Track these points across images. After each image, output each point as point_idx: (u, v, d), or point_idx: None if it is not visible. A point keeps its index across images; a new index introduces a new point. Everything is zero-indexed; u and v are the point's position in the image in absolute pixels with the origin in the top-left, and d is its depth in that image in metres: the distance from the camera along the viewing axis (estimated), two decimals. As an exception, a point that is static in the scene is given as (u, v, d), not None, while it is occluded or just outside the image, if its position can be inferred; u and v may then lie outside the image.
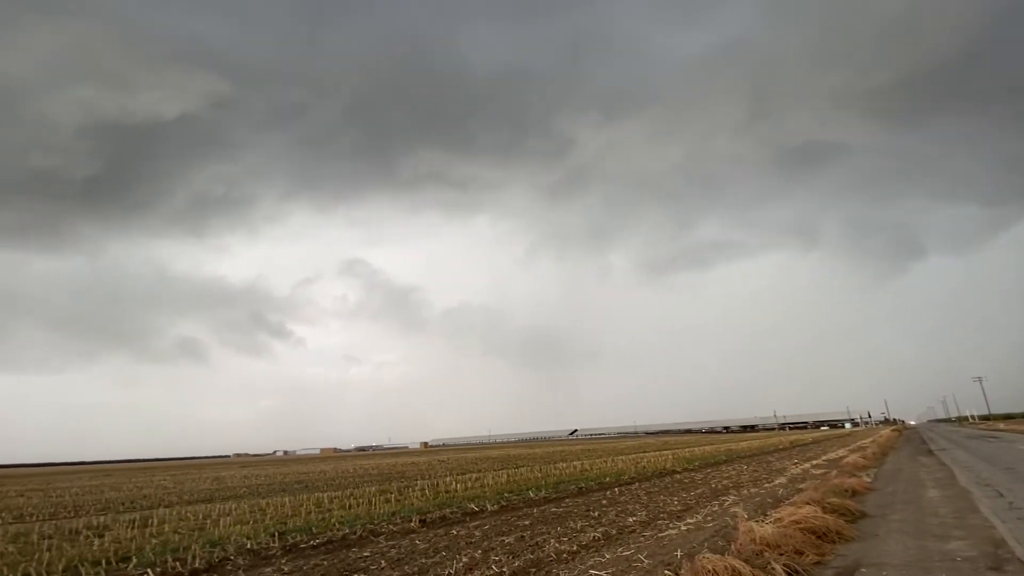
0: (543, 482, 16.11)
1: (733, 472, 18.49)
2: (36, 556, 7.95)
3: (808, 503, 8.62)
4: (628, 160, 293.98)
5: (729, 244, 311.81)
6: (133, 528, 10.74)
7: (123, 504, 17.05)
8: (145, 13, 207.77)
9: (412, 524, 9.74)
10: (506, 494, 13.36)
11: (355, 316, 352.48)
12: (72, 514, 14.63)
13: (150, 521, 11.63)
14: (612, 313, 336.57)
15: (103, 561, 7.51)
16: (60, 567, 7.24)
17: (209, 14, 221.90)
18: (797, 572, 5.50)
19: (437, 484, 17.35)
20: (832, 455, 24.99)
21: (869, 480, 13.67)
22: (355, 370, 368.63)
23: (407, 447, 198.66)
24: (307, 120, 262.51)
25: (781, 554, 5.94)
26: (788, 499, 10.52)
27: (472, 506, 11.50)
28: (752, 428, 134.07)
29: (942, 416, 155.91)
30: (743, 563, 5.25)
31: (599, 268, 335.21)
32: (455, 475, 21.43)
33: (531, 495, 13.18)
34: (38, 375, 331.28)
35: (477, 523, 9.77)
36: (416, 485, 17.28)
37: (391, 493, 15.09)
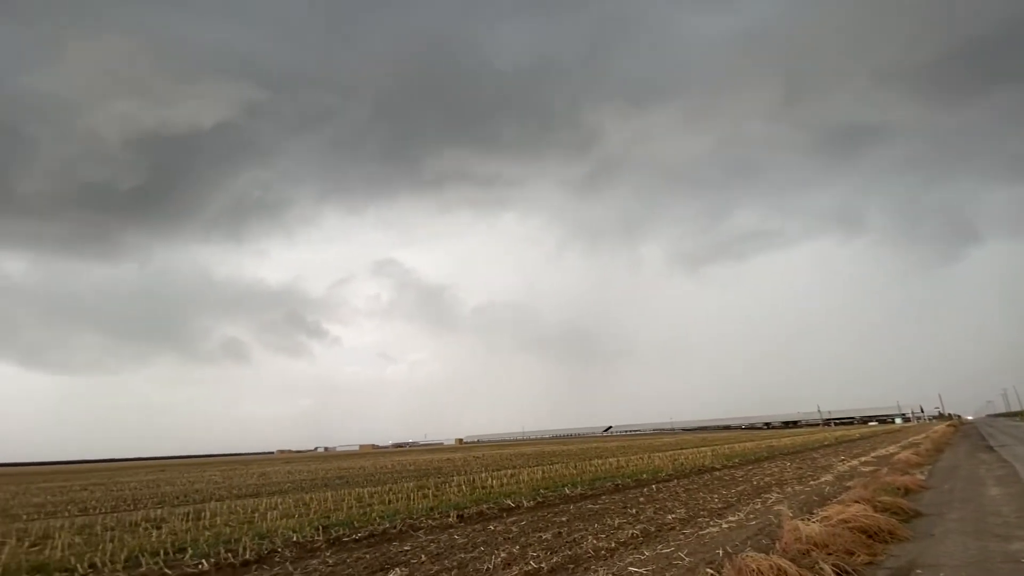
0: (579, 479, 16.04)
1: (776, 469, 17.97)
2: (100, 547, 8.45)
3: (857, 501, 8.30)
4: (658, 149, 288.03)
5: (767, 233, 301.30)
6: (187, 521, 11.27)
7: (177, 498, 17.92)
8: (178, 26, 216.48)
9: (450, 519, 9.88)
10: (542, 490, 13.37)
11: (388, 315, 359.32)
12: (131, 507, 15.47)
13: (203, 514, 12.18)
14: (646, 308, 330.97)
15: (161, 552, 7.92)
16: (122, 557, 7.67)
17: (239, 24, 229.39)
18: (847, 572, 5.30)
19: (473, 480, 17.52)
20: (882, 451, 23.96)
21: (923, 478, 13.06)
22: (390, 368, 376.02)
23: (442, 443, 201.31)
24: (335, 123, 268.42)
25: (829, 554, 5.74)
26: (835, 497, 10.16)
27: (508, 502, 11.57)
28: (794, 424, 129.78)
29: (1002, 410, 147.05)
30: (789, 562, 5.10)
31: (631, 262, 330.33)
32: (490, 471, 21.59)
33: (567, 491, 13.15)
34: (96, 376, 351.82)
35: (514, 519, 9.82)
36: (452, 481, 17.50)
37: (428, 489, 15.34)
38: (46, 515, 14.29)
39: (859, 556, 5.92)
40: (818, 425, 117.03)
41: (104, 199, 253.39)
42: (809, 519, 7.14)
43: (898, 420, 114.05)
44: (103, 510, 15.09)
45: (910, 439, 33.43)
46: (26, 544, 9.25)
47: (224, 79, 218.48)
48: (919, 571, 5.41)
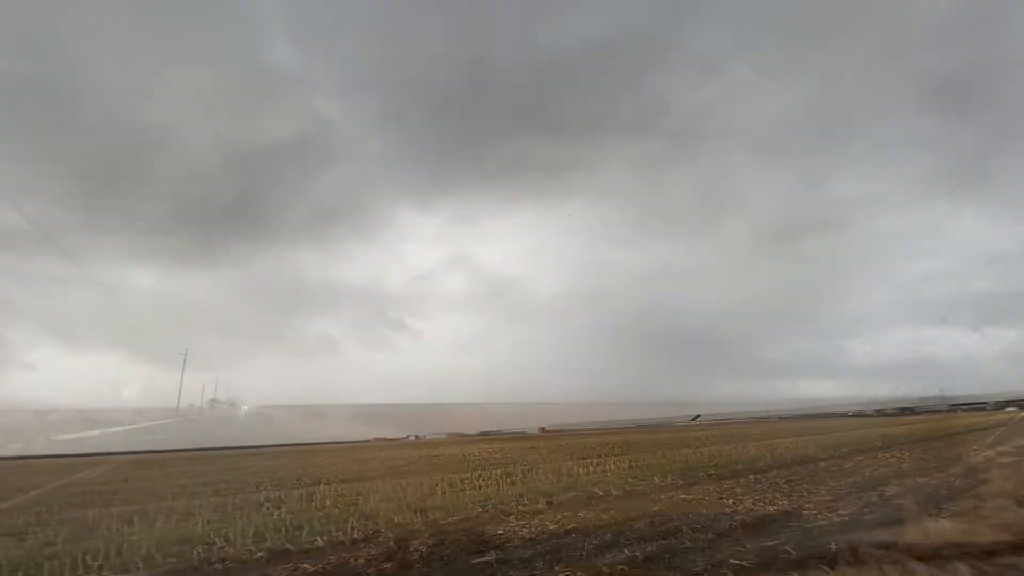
0: (668, 468, 15.59)
1: (892, 460, 16.34)
2: (232, 523, 9.55)
3: (998, 496, 7.36)
4: (736, 116, 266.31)
5: (870, 198, 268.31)
6: (302, 502, 12.39)
7: (291, 481, 19.69)
8: (255, 46, 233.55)
9: (539, 505, 10.04)
10: (630, 479, 13.18)
11: (465, 308, 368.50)
12: (255, 489, 17.24)
13: (314, 496, 13.31)
14: (731, 288, 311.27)
15: (282, 529, 8.79)
16: (251, 532, 8.61)
17: (305, 37, 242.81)
18: (986, 574, 4.74)
19: (559, 468, 17.62)
20: (1024, 441, 20.98)
21: (1082, 471, 11.30)
22: (470, 359, 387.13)
23: (525, 432, 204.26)
24: (400, 124, 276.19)
25: (965, 553, 5.15)
26: (969, 491, 9.08)
27: (596, 490, 11.53)
28: (911, 411, 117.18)
29: None
30: (916, 561, 4.65)
31: (712, 240, 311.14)
32: (575, 459, 21.58)
33: (656, 481, 12.86)
34: (215, 373, 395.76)
35: (603, 507, 9.78)
36: (538, 468, 17.72)
37: (516, 476, 15.65)
38: (187, 495, 16.34)
39: (1002, 557, 5.26)
40: (940, 412, 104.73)
41: (206, 214, 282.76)
42: (938, 514, 6.46)
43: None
44: (232, 491, 16.95)
45: (1062, 426, 28.96)
46: (173, 520, 10.66)
47: (296, 91, 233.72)
48: (1083, 577, 4.71)
